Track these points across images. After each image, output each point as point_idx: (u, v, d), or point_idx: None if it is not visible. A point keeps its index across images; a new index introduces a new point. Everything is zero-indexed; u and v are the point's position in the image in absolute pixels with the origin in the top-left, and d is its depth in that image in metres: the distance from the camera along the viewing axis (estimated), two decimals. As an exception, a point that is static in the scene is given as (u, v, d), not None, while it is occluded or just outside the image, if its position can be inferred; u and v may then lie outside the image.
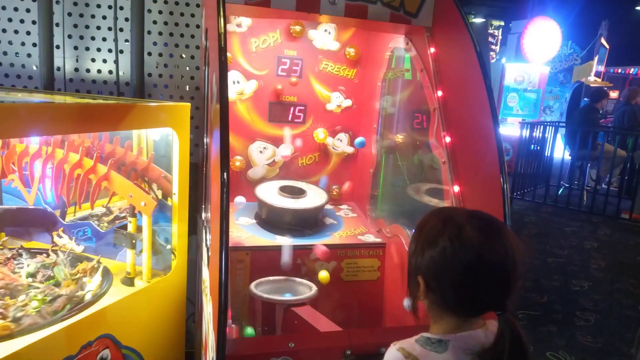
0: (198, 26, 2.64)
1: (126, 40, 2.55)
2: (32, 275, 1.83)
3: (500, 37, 14.62)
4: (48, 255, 1.94)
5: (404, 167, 2.54)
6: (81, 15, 2.49)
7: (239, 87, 2.57)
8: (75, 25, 2.49)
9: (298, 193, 2.57)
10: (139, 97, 2.55)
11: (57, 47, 2.46)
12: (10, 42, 2.43)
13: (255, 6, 1.95)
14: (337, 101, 2.74)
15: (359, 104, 2.78)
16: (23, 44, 2.44)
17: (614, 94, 11.77)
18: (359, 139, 2.72)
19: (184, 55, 2.66)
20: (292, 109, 2.68)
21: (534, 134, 7.36)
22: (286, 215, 2.47)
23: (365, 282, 2.47)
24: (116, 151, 1.94)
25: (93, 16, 2.51)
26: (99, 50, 2.54)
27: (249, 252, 2.28)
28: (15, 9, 2.40)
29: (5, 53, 2.43)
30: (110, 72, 2.57)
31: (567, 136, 7.46)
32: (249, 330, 2.06)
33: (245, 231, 2.42)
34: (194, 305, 2.37)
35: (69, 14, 2.47)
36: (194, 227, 2.28)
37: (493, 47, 13.80)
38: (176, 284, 2.03)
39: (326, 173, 2.80)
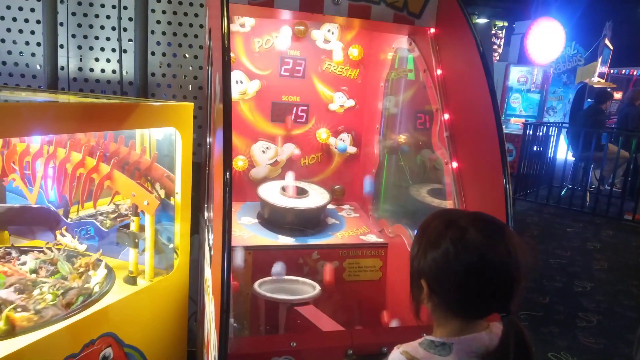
0: (201, 26, 2.65)
1: (130, 40, 2.56)
2: (34, 271, 1.85)
3: (503, 38, 14.58)
4: (43, 253, 1.95)
5: (406, 167, 2.54)
6: (85, 15, 2.50)
7: (242, 87, 2.57)
8: (79, 25, 2.50)
9: (300, 193, 2.58)
10: (142, 97, 2.56)
11: (61, 46, 2.47)
12: (14, 42, 2.44)
13: (259, 6, 1.95)
14: (339, 101, 2.74)
15: (361, 104, 2.78)
16: (27, 43, 2.45)
17: (617, 95, 11.72)
18: (341, 145, 2.75)
19: (187, 55, 2.67)
20: (294, 108, 2.68)
21: (537, 135, 7.34)
22: (288, 215, 2.48)
23: (367, 282, 2.47)
24: (120, 150, 1.95)
25: (97, 16, 2.51)
26: (102, 49, 2.55)
27: (251, 251, 2.28)
28: (20, 9, 2.41)
29: (9, 52, 2.44)
30: (113, 71, 2.58)
31: (570, 137, 7.44)
32: None
33: (248, 230, 2.43)
34: (196, 304, 2.37)
35: (73, 14, 2.48)
36: (197, 227, 2.29)
37: (496, 47, 13.77)
38: (178, 283, 2.03)
39: (329, 173, 2.80)
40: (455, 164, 2.00)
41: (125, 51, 2.57)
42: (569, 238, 5.61)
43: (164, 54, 2.63)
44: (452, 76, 2.08)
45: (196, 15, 2.64)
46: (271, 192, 2.55)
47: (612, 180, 6.98)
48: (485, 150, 1.85)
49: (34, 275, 1.82)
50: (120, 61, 2.57)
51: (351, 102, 2.76)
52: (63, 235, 2.12)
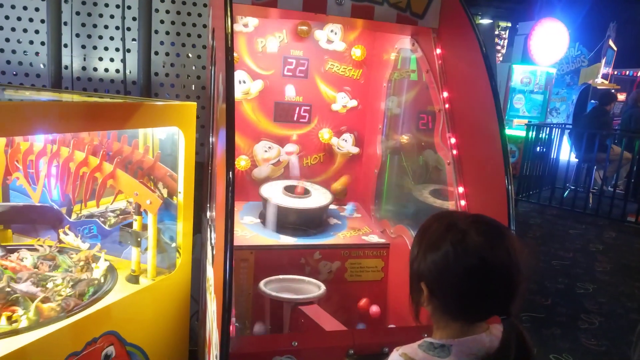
0: (205, 26, 2.65)
1: (133, 40, 2.57)
2: (35, 266, 1.87)
3: (507, 39, 14.55)
4: (35, 250, 1.96)
5: (408, 167, 2.55)
6: (89, 15, 2.51)
7: (245, 87, 2.58)
8: (83, 24, 2.51)
9: (303, 193, 2.58)
10: (145, 96, 2.56)
11: (65, 45, 2.48)
12: (19, 41, 2.45)
13: (263, 6, 1.95)
14: (342, 101, 2.75)
15: (364, 105, 2.78)
16: (31, 42, 2.46)
17: (621, 97, 11.68)
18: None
19: (190, 55, 2.67)
20: (297, 109, 2.68)
21: (540, 136, 7.33)
22: (290, 214, 2.48)
23: (369, 283, 2.47)
24: (123, 149, 1.96)
25: (101, 15, 2.52)
26: (106, 49, 2.56)
27: (253, 251, 2.28)
28: (24, 8, 2.42)
29: (13, 51, 2.45)
30: (117, 71, 2.59)
31: (573, 138, 7.43)
32: None
33: (250, 230, 2.43)
34: (198, 303, 2.38)
35: (77, 13, 2.49)
36: (199, 226, 2.29)
37: (499, 48, 13.74)
38: (180, 282, 2.04)
39: (331, 173, 2.80)
40: (457, 165, 2.00)
41: (128, 51, 2.58)
42: (571, 239, 5.59)
43: (167, 54, 2.64)
44: (455, 76, 2.08)
45: (199, 15, 2.65)
46: (273, 192, 2.55)
47: (615, 181, 6.96)
48: (488, 151, 1.85)
49: (40, 269, 1.84)
50: (123, 61, 2.58)
51: (354, 103, 2.76)
52: (66, 234, 2.12)
